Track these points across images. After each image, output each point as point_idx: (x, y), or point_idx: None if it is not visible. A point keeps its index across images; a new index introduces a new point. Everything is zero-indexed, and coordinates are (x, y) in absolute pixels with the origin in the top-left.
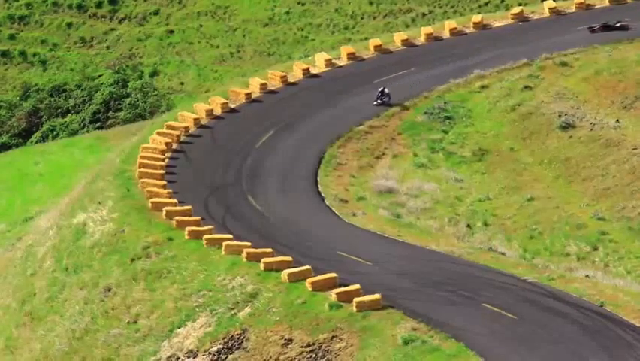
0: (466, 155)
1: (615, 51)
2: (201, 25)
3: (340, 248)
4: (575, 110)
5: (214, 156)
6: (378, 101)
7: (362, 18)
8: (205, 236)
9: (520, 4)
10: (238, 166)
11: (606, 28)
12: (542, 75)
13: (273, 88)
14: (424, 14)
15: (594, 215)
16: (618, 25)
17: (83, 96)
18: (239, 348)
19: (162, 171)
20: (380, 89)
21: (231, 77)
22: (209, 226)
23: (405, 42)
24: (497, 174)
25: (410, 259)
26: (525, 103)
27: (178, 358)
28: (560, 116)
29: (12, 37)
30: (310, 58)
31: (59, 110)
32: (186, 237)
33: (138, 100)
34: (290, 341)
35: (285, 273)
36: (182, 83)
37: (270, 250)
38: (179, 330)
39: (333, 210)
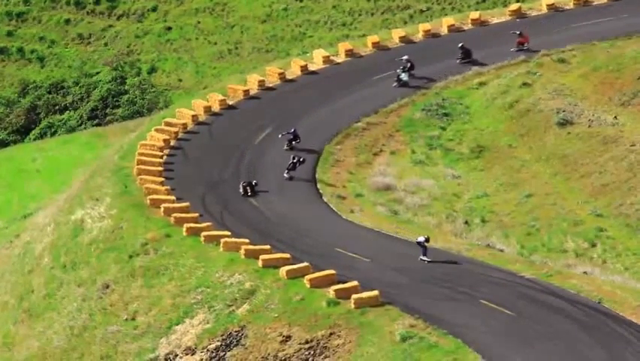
0: (464, 152)
1: (613, 48)
2: (199, 22)
3: (338, 245)
4: (573, 106)
5: (212, 152)
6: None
7: (360, 15)
8: (203, 233)
9: (518, 1)
10: (236, 163)
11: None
12: (540, 72)
13: (271, 85)
14: (421, 11)
15: (592, 212)
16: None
17: (80, 93)
18: (237, 345)
19: (160, 168)
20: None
21: (229, 73)
22: (207, 223)
23: (403, 39)
24: (495, 171)
25: (408, 255)
26: (523, 100)
27: (176, 355)
28: (557, 112)
29: (10, 33)
30: (308, 55)
31: (57, 107)
32: (184, 233)
33: (136, 97)
34: (288, 337)
35: (283, 270)
36: (180, 80)
37: (268, 246)
38: (177, 327)
39: (331, 206)
